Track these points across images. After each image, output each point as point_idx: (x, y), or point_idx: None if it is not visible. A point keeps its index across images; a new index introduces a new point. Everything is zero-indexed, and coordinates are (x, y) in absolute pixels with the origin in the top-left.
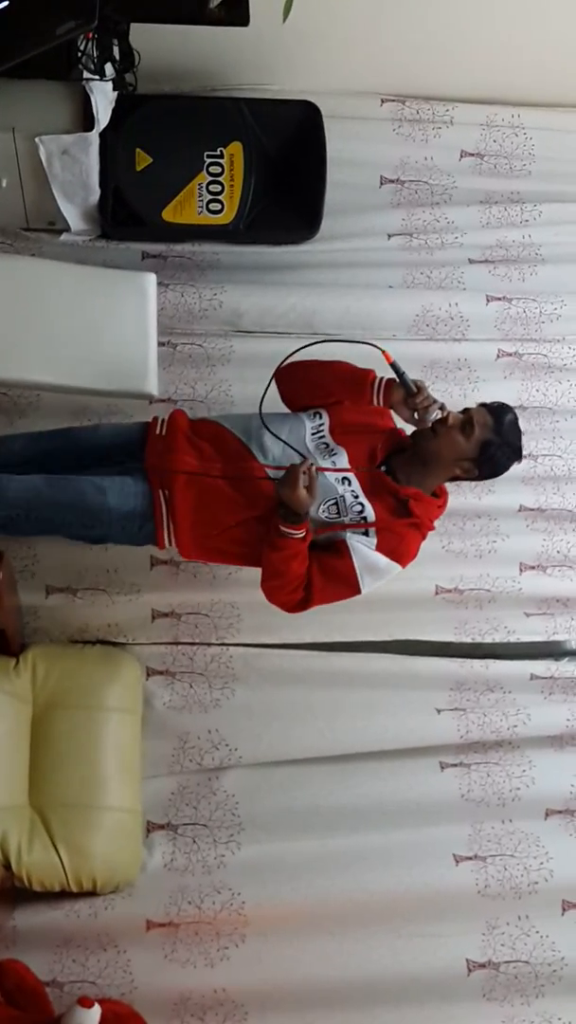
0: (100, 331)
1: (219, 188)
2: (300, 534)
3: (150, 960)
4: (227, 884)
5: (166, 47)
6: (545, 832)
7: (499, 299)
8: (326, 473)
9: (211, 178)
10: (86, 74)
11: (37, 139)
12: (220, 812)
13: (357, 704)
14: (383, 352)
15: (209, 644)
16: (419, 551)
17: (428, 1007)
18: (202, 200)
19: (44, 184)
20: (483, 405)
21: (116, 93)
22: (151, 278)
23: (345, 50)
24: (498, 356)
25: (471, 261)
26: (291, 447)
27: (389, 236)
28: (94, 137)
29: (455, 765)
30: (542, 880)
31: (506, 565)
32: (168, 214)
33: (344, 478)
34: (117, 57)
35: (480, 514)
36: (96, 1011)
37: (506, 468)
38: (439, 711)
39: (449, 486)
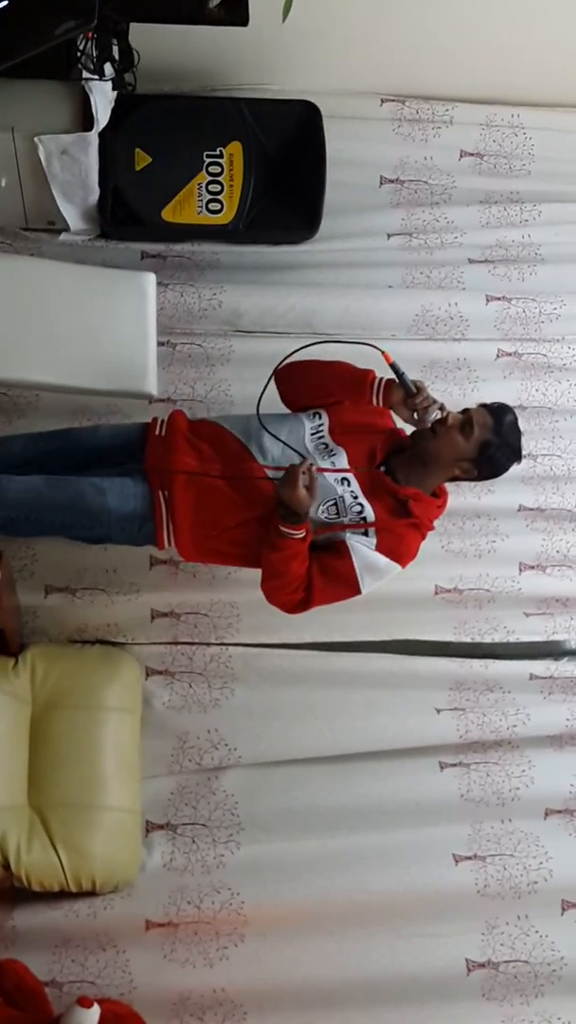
0: (99, 331)
1: (219, 188)
2: (300, 534)
3: (149, 960)
4: (226, 884)
5: (166, 47)
6: (545, 832)
7: (499, 299)
8: (325, 474)
9: (211, 178)
10: (85, 74)
11: (36, 139)
12: (219, 812)
13: (357, 704)
14: (383, 353)
15: (208, 644)
16: (419, 551)
17: (428, 1007)
18: (201, 200)
19: (43, 184)
20: (483, 405)
21: (115, 93)
22: (150, 278)
23: (345, 50)
24: (498, 356)
25: (471, 261)
26: (291, 447)
27: (389, 236)
28: (93, 137)
29: (455, 765)
30: (542, 880)
31: (506, 565)
32: (167, 214)
33: (343, 478)
34: (116, 57)
35: (480, 514)
36: (95, 1011)
37: (505, 469)
38: (439, 711)
39: (449, 486)
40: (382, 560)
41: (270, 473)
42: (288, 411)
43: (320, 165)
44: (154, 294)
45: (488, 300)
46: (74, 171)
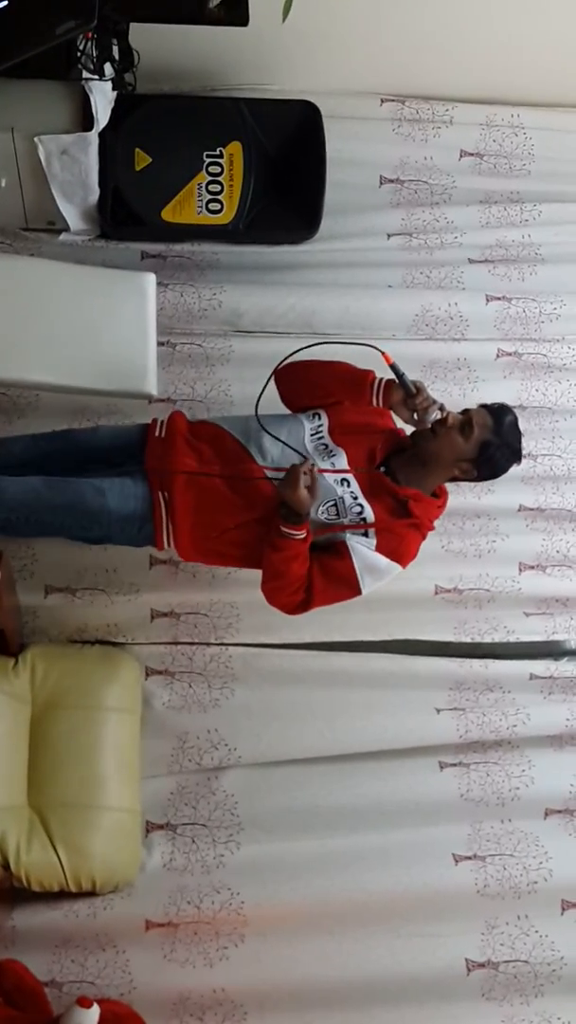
0: (99, 331)
1: (218, 188)
2: (301, 535)
3: (149, 960)
4: (226, 884)
5: (166, 47)
6: (544, 832)
7: (499, 299)
8: (325, 474)
9: (210, 178)
10: (85, 74)
11: (36, 139)
12: (219, 812)
13: (356, 704)
14: (382, 353)
15: (208, 644)
16: (419, 551)
17: (427, 1007)
18: (201, 200)
19: (43, 184)
20: (483, 406)
21: (115, 93)
22: (150, 278)
23: (345, 50)
24: (497, 356)
25: (471, 261)
26: (291, 447)
27: (389, 236)
28: (93, 137)
29: (454, 765)
30: (541, 880)
31: (505, 565)
32: (167, 214)
33: (343, 479)
34: (116, 57)
35: (480, 514)
36: (95, 1011)
37: (505, 469)
38: (438, 711)
39: (449, 486)
40: (382, 561)
41: (269, 474)
42: (288, 412)
43: (320, 165)
44: (154, 294)
45: (488, 300)
46: (74, 171)
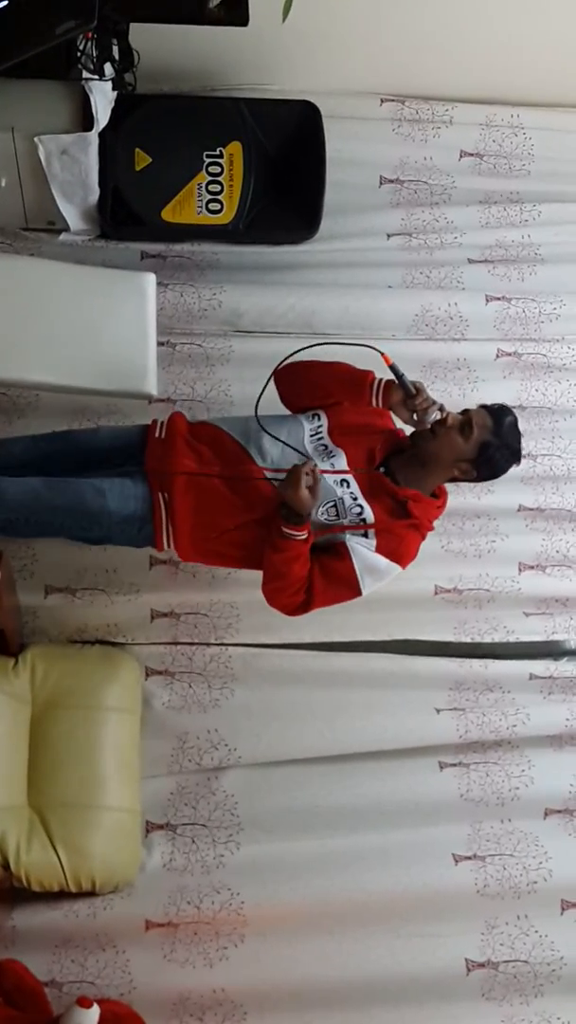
0: (99, 331)
1: (218, 188)
2: (302, 535)
3: (149, 960)
4: (226, 884)
5: (166, 47)
6: (544, 832)
7: (498, 299)
8: (325, 475)
9: (210, 178)
10: (85, 74)
11: (36, 139)
12: (219, 812)
13: (356, 704)
14: (382, 354)
15: (208, 644)
16: (419, 551)
17: (427, 1007)
18: (201, 200)
19: (43, 184)
20: (483, 406)
21: (115, 93)
22: (150, 278)
23: (345, 50)
24: (497, 356)
25: (470, 261)
26: (292, 447)
27: (388, 236)
28: (93, 137)
29: (454, 765)
30: (541, 880)
31: (505, 565)
32: (167, 214)
33: (343, 480)
34: (116, 57)
35: (479, 514)
36: (95, 1011)
37: (505, 470)
38: (438, 711)
39: (448, 486)
40: (382, 561)
41: (269, 475)
42: (287, 412)
43: (320, 165)
44: (154, 294)
45: (488, 300)
46: (74, 171)
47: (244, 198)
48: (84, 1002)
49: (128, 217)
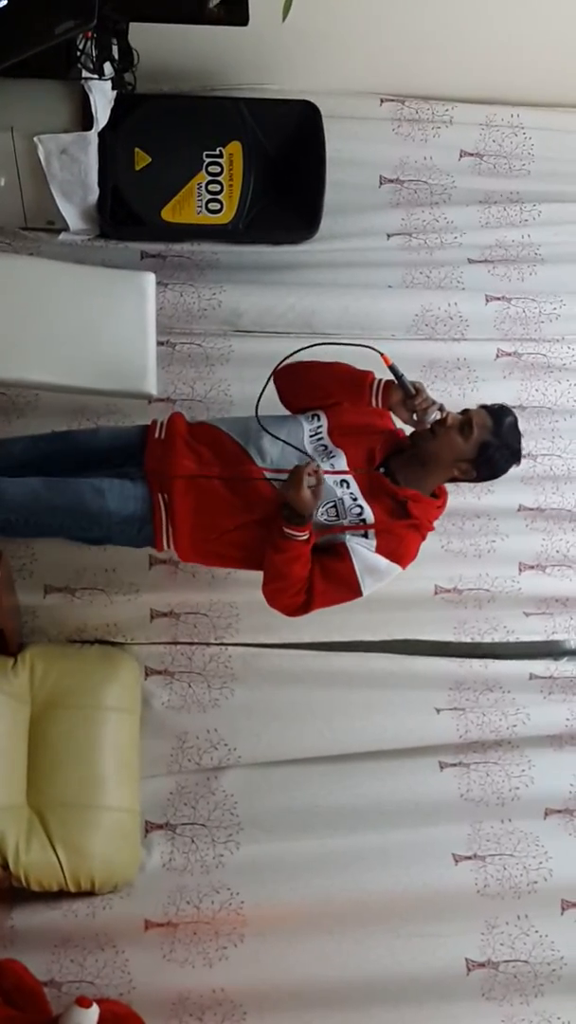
0: (99, 331)
1: (218, 188)
2: (303, 536)
3: (148, 960)
4: (226, 884)
5: (165, 46)
6: (544, 832)
7: (498, 299)
8: (325, 476)
9: (210, 178)
10: (85, 73)
11: (36, 138)
12: (219, 812)
13: (356, 704)
14: (381, 355)
15: (208, 644)
16: (419, 551)
17: (427, 1007)
18: (201, 200)
19: (43, 183)
20: (483, 407)
21: (115, 92)
22: (150, 278)
23: (345, 50)
24: (497, 356)
25: (470, 261)
26: (296, 448)
27: (388, 236)
28: (93, 136)
29: (454, 765)
30: (541, 879)
31: (505, 565)
32: (167, 214)
33: (342, 480)
34: (116, 56)
35: (479, 514)
36: (94, 1011)
37: (505, 470)
38: (438, 711)
39: (448, 486)
40: (382, 562)
41: (269, 475)
42: (287, 413)
43: (320, 165)
44: (153, 294)
45: (488, 300)
46: (73, 171)
47: (244, 198)
48: (83, 1002)
49: (128, 217)
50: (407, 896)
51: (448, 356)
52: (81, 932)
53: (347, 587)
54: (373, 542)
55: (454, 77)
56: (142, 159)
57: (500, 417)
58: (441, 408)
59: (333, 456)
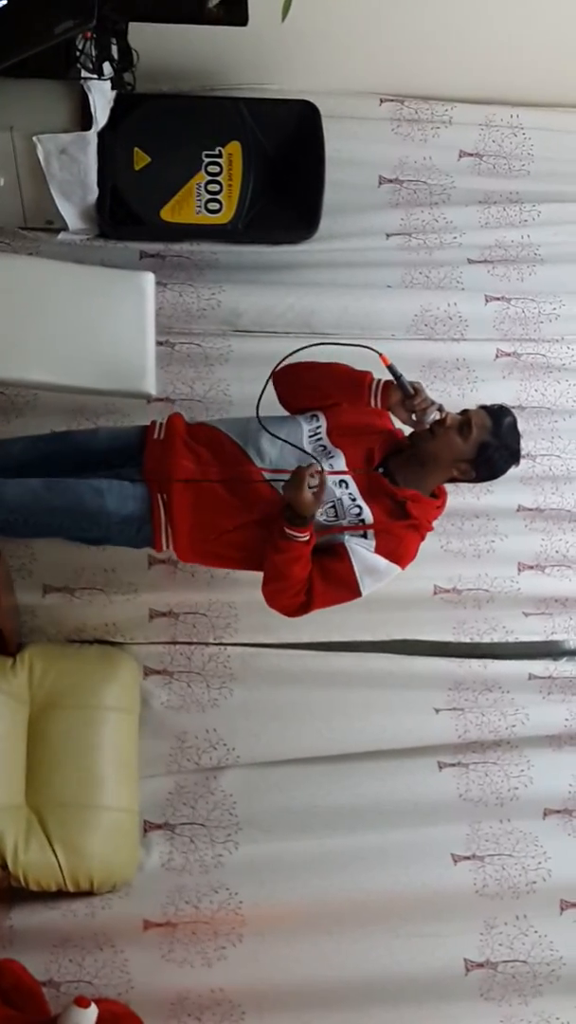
0: (98, 330)
1: (217, 188)
2: (304, 537)
3: (147, 960)
4: (224, 884)
5: (165, 46)
6: (543, 832)
7: (498, 299)
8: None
9: (209, 177)
10: (84, 73)
11: (35, 138)
12: (218, 812)
13: (355, 704)
14: (379, 355)
15: (207, 644)
16: (418, 552)
17: (426, 1007)
18: (200, 199)
19: (42, 183)
20: (482, 407)
21: (114, 92)
22: (149, 277)
23: (344, 50)
24: (497, 356)
25: (470, 261)
26: (293, 445)
27: (387, 236)
28: (92, 136)
29: (453, 765)
30: (540, 880)
31: (504, 565)
32: (166, 213)
33: (341, 480)
34: (115, 56)
35: (479, 514)
36: (93, 1011)
37: (504, 471)
38: (437, 711)
39: (448, 486)
40: (381, 562)
41: (268, 476)
42: (286, 413)
43: (319, 165)
44: (153, 294)
45: (487, 300)
46: (73, 170)
47: (243, 198)
48: (82, 1002)
49: (127, 216)
50: (406, 896)
51: (447, 356)
52: (80, 932)
53: (346, 588)
54: (372, 542)
55: (453, 77)
56: (141, 159)
57: (499, 418)
58: (440, 408)
59: (332, 456)
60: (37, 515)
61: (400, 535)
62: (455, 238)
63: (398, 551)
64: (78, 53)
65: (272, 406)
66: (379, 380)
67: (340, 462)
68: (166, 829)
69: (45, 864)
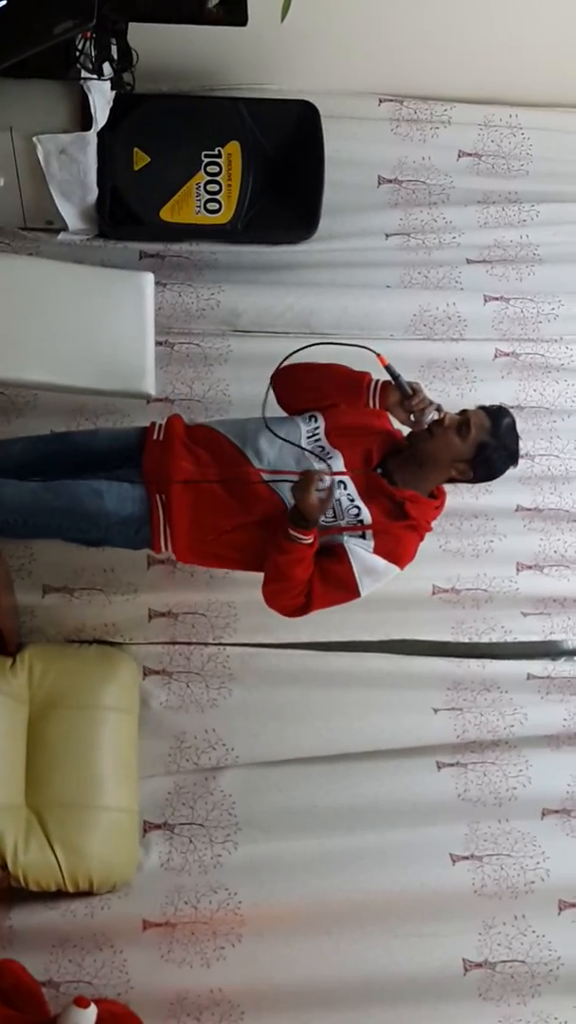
0: (98, 331)
1: (217, 188)
2: (308, 540)
3: (146, 960)
4: (224, 884)
5: (164, 46)
6: (542, 832)
7: (497, 299)
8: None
9: (209, 178)
10: (84, 73)
11: (35, 138)
12: (217, 812)
13: (354, 704)
14: (377, 355)
15: (206, 644)
16: (417, 552)
17: (424, 1007)
18: (200, 200)
19: (42, 183)
20: (481, 407)
21: (114, 92)
22: (149, 277)
23: (343, 50)
24: (495, 356)
25: (469, 261)
26: (292, 444)
27: (387, 236)
28: (92, 136)
29: (452, 765)
30: (539, 880)
31: (503, 565)
32: (166, 213)
33: (340, 481)
34: (115, 56)
35: (477, 514)
36: (92, 1011)
37: (502, 471)
38: (436, 711)
39: (447, 486)
40: (380, 563)
41: (266, 477)
42: (284, 414)
43: (318, 165)
44: (152, 294)
45: (486, 300)
46: (72, 171)
47: (242, 198)
48: (81, 1002)
49: (126, 217)
50: (404, 896)
51: (446, 356)
52: (79, 932)
53: (345, 588)
54: (371, 543)
55: (453, 77)
56: (141, 159)
57: (498, 418)
58: (439, 408)
59: (330, 457)
60: (36, 516)
61: (399, 535)
62: (454, 238)
63: (397, 551)
64: (78, 53)
65: (271, 407)
66: (377, 381)
67: (338, 463)
68: (165, 829)
69: (45, 864)
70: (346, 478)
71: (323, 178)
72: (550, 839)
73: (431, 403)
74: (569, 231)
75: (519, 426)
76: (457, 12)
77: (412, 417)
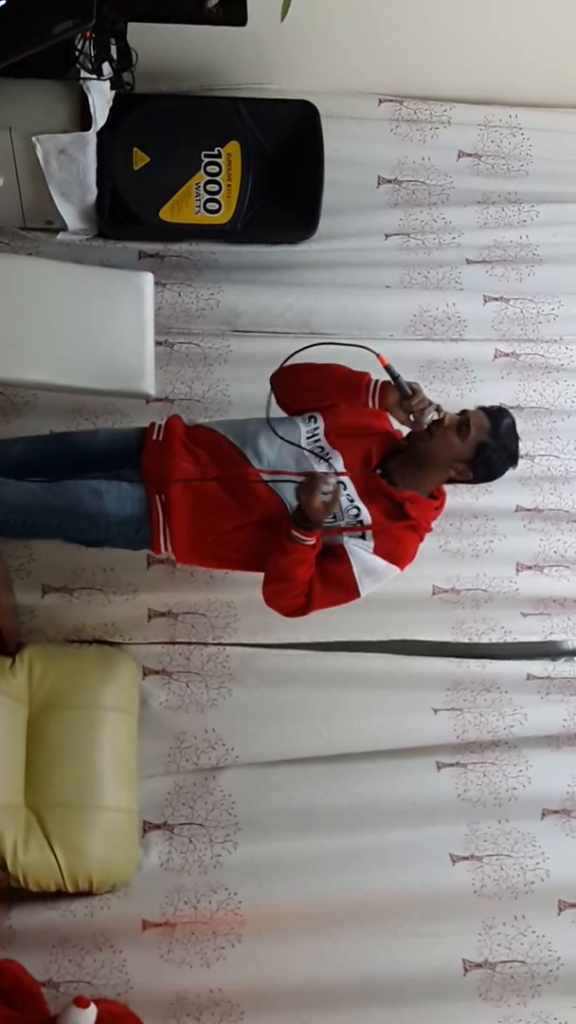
0: (97, 330)
1: (216, 188)
2: (310, 541)
3: (146, 960)
4: (223, 884)
5: (164, 46)
6: (541, 832)
7: (496, 299)
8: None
9: (208, 178)
10: (83, 73)
11: (34, 138)
12: (216, 812)
13: (354, 704)
14: (377, 356)
15: (206, 644)
16: (417, 552)
17: (424, 1007)
18: (199, 200)
19: (41, 183)
20: (481, 408)
21: (114, 92)
22: (148, 277)
23: (343, 50)
24: (495, 356)
25: (468, 261)
26: (291, 444)
27: (386, 236)
28: (91, 136)
29: (452, 765)
30: (538, 880)
31: (503, 565)
32: (165, 213)
33: (340, 482)
34: (115, 56)
35: (477, 514)
36: (92, 1011)
37: (501, 472)
38: (436, 711)
39: (447, 486)
40: (380, 563)
41: (266, 477)
42: (284, 414)
43: (318, 165)
44: (152, 294)
45: (486, 300)
46: (72, 171)
47: (242, 198)
48: (81, 1002)
49: (126, 217)
50: (404, 896)
51: (446, 356)
52: (79, 932)
53: (345, 589)
54: (371, 543)
55: (452, 77)
56: (140, 159)
57: (498, 418)
58: (438, 409)
59: (330, 457)
60: (36, 516)
61: (398, 536)
62: (454, 238)
63: (396, 552)
64: (77, 53)
65: (271, 408)
66: (377, 381)
67: (338, 463)
68: (165, 829)
69: (44, 864)
70: (346, 478)
71: (323, 178)
72: (550, 839)
73: (430, 403)
74: (569, 231)
75: (519, 426)
76: (457, 12)
77: (412, 417)
